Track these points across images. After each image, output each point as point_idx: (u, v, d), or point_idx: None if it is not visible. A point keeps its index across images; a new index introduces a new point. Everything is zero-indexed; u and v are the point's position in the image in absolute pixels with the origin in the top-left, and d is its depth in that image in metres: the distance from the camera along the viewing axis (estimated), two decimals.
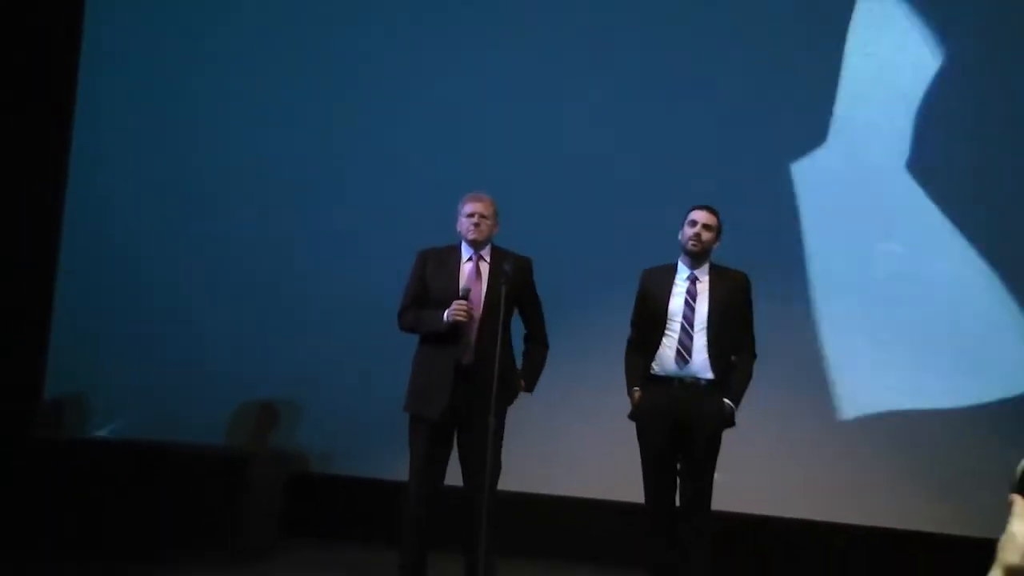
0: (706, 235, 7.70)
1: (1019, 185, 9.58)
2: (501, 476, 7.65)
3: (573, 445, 9.32)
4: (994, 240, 9.66)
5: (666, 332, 7.67)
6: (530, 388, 7.84)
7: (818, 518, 9.38)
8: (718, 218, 7.83)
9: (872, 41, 9.95)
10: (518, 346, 8.06)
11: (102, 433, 9.68)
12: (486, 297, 7.66)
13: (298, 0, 10.71)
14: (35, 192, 10.23)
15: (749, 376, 7.74)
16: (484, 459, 7.44)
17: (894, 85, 9.84)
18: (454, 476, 7.72)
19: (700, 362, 7.60)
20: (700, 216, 7.73)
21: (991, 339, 9.50)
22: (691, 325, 7.64)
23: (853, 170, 9.81)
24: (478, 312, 7.62)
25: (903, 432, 9.49)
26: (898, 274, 9.66)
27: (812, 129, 9.89)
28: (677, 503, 7.72)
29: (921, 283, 9.61)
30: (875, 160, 9.78)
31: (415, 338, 7.80)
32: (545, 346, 7.95)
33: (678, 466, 7.69)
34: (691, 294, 7.69)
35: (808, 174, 9.86)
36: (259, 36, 10.59)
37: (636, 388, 7.73)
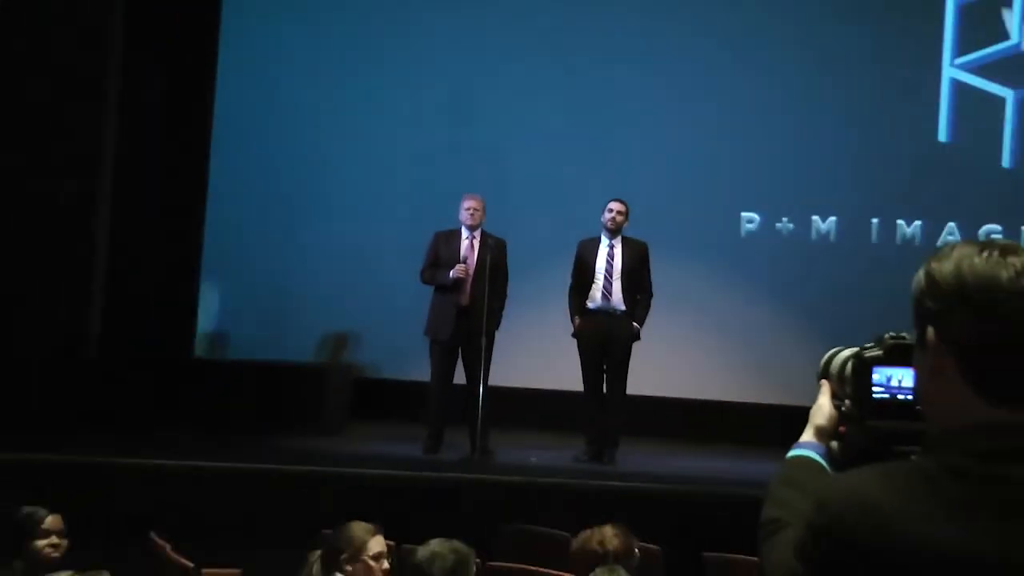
0: (619, 218, 8.18)
1: None
2: (493, 374, 8.05)
3: (537, 354, 9.24)
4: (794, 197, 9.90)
5: (594, 280, 8.19)
6: (492, 328, 8.14)
7: (687, 396, 9.63)
8: (627, 206, 8.21)
9: None
10: None
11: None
12: (477, 263, 8.11)
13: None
14: (185, 159, 9.75)
15: (648, 308, 8.26)
16: (479, 366, 7.99)
17: None
18: (459, 377, 8.24)
19: (617, 299, 8.18)
20: (615, 206, 8.20)
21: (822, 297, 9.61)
22: (610, 275, 8.18)
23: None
24: (472, 272, 8.10)
25: (745, 332, 9.81)
26: (752, 234, 9.99)
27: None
28: (604, 390, 8.28)
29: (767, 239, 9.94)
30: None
31: (431, 289, 8.25)
32: (503, 298, 8.23)
33: (604, 366, 8.25)
34: (610, 256, 8.20)
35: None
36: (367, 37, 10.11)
37: (576, 317, 8.24)
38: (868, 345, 1.86)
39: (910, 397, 1.79)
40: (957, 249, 1.60)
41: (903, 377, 1.82)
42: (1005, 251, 1.58)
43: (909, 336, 1.74)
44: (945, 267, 1.58)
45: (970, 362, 1.56)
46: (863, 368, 1.84)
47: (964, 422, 1.57)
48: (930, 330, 1.59)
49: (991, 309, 1.54)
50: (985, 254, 1.58)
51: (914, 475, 1.57)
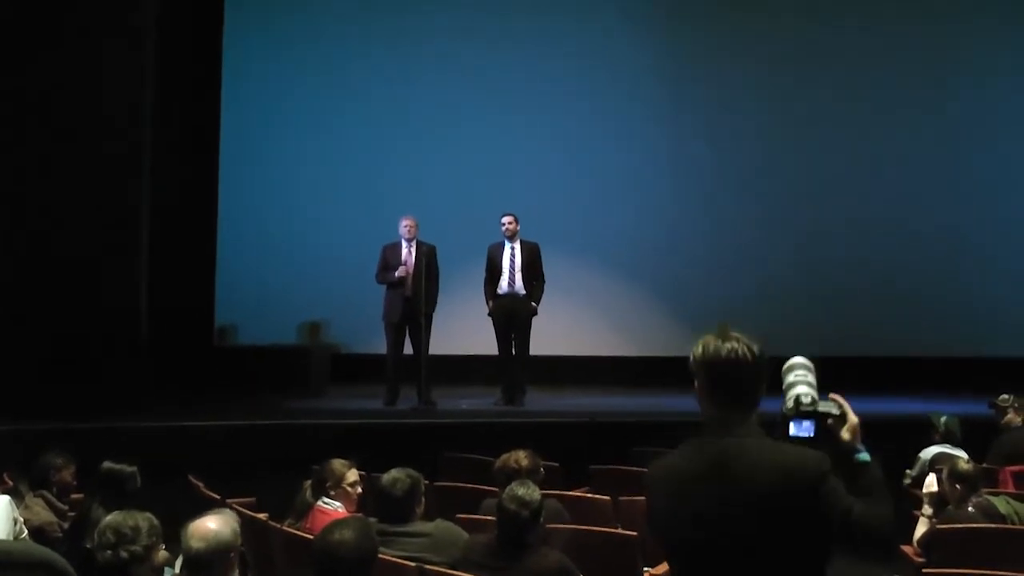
0: (511, 227, 8.10)
1: None
2: (432, 345, 7.89)
3: (463, 328, 8.90)
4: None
5: (502, 273, 8.09)
6: (429, 311, 7.97)
7: (573, 353, 9.63)
8: (515, 217, 8.13)
9: None
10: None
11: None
12: (415, 265, 7.94)
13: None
14: (196, 172, 9.21)
15: (542, 291, 8.15)
16: (421, 339, 7.91)
17: None
18: (407, 349, 8.05)
19: (519, 286, 8.10)
20: (505, 219, 8.13)
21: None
22: (513, 269, 8.09)
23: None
24: (411, 271, 7.94)
25: (613, 304, 9.79)
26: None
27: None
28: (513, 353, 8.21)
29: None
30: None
31: (384, 286, 8.07)
32: (436, 288, 8.03)
33: (512, 335, 8.19)
34: (512, 255, 8.11)
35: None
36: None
37: (490, 300, 8.14)
38: (789, 407, 2.21)
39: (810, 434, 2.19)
40: (704, 340, 2.22)
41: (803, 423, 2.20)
42: (724, 339, 2.19)
43: (819, 404, 2.18)
44: (697, 350, 2.22)
45: (710, 393, 2.23)
46: (783, 418, 2.23)
47: (706, 417, 2.24)
48: (696, 381, 2.24)
49: (711, 371, 2.21)
50: (714, 342, 2.20)
51: (690, 445, 2.24)
